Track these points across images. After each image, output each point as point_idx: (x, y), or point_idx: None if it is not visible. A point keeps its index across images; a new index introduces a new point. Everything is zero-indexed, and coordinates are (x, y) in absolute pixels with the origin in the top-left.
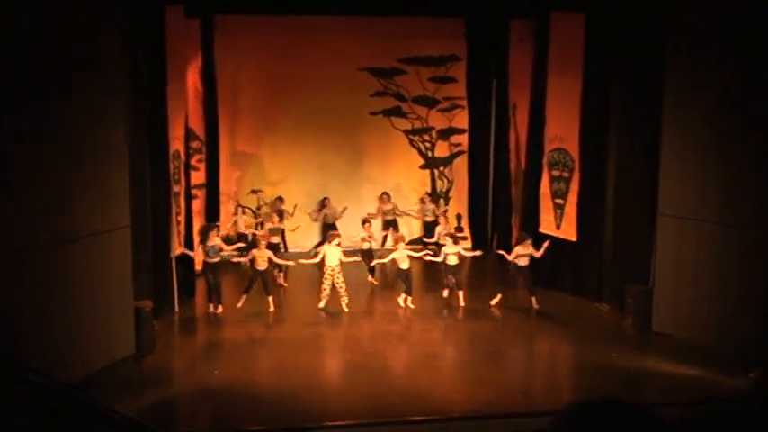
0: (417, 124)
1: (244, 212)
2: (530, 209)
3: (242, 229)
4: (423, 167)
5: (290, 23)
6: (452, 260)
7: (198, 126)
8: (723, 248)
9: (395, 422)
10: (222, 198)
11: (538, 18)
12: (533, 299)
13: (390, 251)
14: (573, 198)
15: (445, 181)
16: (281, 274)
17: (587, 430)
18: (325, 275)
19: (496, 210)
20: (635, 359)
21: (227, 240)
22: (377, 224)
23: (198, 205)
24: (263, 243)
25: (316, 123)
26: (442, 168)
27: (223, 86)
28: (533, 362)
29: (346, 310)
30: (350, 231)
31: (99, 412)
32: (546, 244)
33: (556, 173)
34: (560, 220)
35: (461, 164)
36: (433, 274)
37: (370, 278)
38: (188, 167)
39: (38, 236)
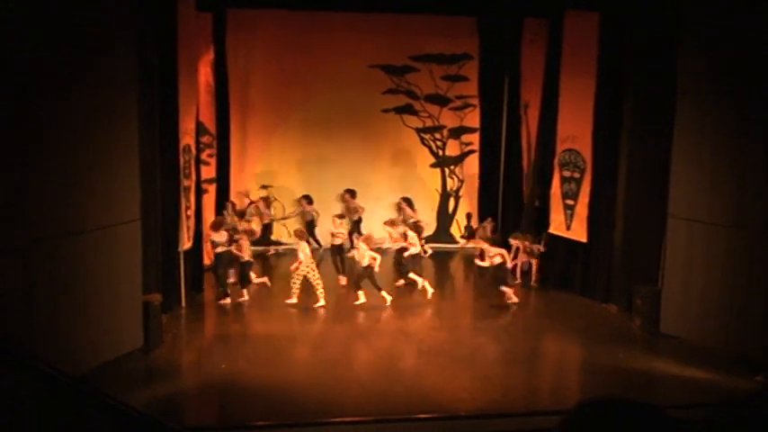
0: (429, 122)
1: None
2: (535, 208)
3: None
4: (433, 166)
5: (302, 19)
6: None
7: (209, 120)
8: (732, 251)
9: (401, 419)
10: (234, 195)
11: (551, 17)
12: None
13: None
14: (584, 199)
15: (456, 180)
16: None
17: (597, 429)
18: (298, 272)
19: (506, 209)
20: (642, 360)
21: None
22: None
23: (208, 200)
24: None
25: (327, 120)
26: (452, 167)
27: (234, 81)
28: (540, 361)
29: (322, 303)
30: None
31: (106, 404)
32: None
33: (567, 173)
34: (571, 221)
35: (472, 163)
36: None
37: (340, 277)
38: (199, 162)
39: (47, 229)
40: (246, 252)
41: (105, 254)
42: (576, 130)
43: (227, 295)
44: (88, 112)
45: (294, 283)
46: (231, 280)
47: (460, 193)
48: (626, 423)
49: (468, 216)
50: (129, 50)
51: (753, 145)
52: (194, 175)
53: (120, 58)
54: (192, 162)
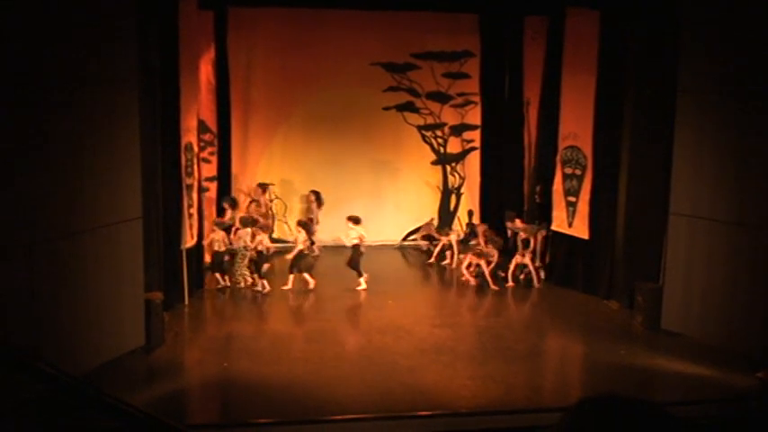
0: (430, 120)
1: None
2: (536, 205)
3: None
4: (435, 163)
5: (303, 17)
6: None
7: (210, 118)
8: (734, 248)
9: (403, 417)
10: (237, 194)
11: (552, 14)
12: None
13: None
14: (585, 196)
15: (457, 177)
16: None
17: (598, 427)
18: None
19: (507, 206)
20: (644, 357)
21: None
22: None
23: (209, 198)
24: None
25: (328, 117)
26: (453, 164)
27: (236, 79)
28: (542, 358)
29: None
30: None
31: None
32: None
33: (568, 170)
34: (572, 218)
35: (473, 160)
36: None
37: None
38: (200, 160)
39: (48, 227)
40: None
41: (107, 252)
42: (577, 128)
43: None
44: (89, 110)
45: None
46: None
47: (462, 191)
48: (626, 420)
49: (470, 213)
50: (130, 48)
51: (754, 142)
52: (197, 173)
53: (122, 55)
54: (195, 160)
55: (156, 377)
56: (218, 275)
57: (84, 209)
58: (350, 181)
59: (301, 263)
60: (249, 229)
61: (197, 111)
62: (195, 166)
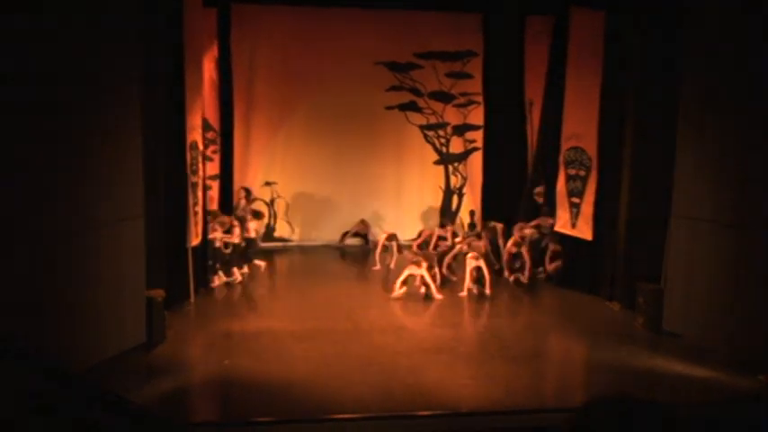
0: (433, 119)
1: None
2: (534, 205)
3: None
4: (437, 163)
5: (306, 15)
6: None
7: (213, 116)
8: (736, 250)
9: (404, 416)
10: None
11: (556, 15)
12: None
13: None
14: (589, 197)
15: (459, 177)
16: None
17: (609, 427)
18: None
19: (509, 206)
20: (645, 358)
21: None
22: None
23: (212, 196)
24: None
25: (330, 116)
26: (456, 164)
27: (238, 77)
28: (542, 359)
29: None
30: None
31: (109, 400)
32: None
33: (572, 171)
34: (576, 219)
35: (476, 160)
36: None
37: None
38: (204, 158)
39: (50, 224)
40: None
41: (109, 250)
42: (580, 128)
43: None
44: (93, 107)
45: None
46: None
47: (464, 191)
48: (637, 420)
49: (472, 213)
50: (135, 45)
51: (756, 143)
52: (202, 171)
53: (126, 53)
54: (200, 158)
55: (156, 375)
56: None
57: (86, 206)
58: (351, 180)
59: (250, 252)
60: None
61: (201, 109)
62: (200, 165)
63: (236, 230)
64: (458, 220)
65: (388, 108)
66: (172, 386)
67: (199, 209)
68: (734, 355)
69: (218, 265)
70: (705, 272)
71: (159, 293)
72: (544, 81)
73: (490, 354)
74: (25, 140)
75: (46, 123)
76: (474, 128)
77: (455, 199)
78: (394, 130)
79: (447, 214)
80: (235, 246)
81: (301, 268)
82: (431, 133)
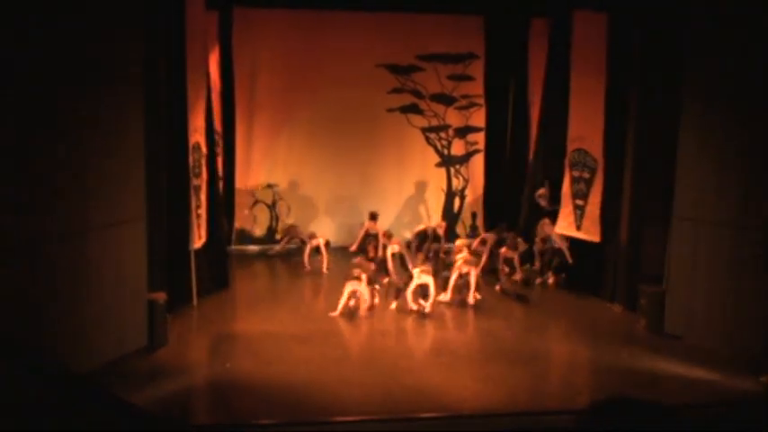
0: (434, 122)
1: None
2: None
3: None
4: (439, 165)
5: (308, 18)
6: None
7: (215, 119)
8: (738, 252)
9: (405, 419)
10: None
11: (558, 17)
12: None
13: None
14: (596, 199)
15: (461, 179)
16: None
17: (608, 428)
18: None
19: (510, 208)
20: (647, 360)
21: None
22: None
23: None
24: None
25: (332, 119)
26: (458, 166)
27: (240, 80)
28: (544, 360)
29: None
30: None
31: (111, 403)
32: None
33: (576, 173)
34: (580, 221)
35: (478, 162)
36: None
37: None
38: (209, 160)
39: (51, 226)
40: None
41: (110, 252)
42: (585, 131)
43: None
44: (95, 110)
45: None
46: None
47: (466, 193)
48: (639, 422)
49: (474, 215)
50: (136, 48)
51: (759, 145)
52: (206, 173)
53: (128, 55)
54: (204, 160)
55: (158, 377)
56: None
57: (87, 209)
58: (353, 182)
59: None
60: None
61: (206, 110)
62: (204, 167)
63: None
64: (459, 223)
65: (390, 110)
66: (174, 389)
67: (202, 211)
68: (735, 356)
69: None
70: (707, 274)
71: (161, 296)
72: (545, 83)
73: (491, 356)
74: (26, 143)
75: (46, 126)
76: (475, 130)
77: (457, 201)
78: (395, 133)
79: (449, 216)
80: None
81: (302, 270)
82: (432, 135)
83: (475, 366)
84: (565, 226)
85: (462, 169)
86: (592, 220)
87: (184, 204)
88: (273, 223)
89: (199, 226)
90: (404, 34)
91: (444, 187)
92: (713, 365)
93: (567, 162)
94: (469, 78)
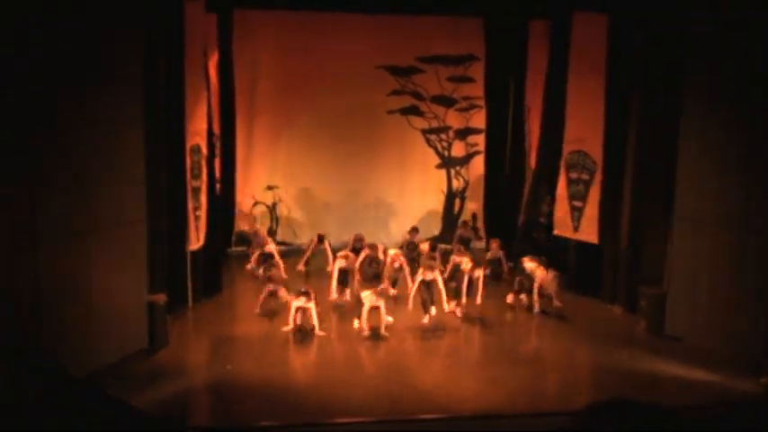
0: (434, 123)
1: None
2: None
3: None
4: (439, 167)
5: (308, 20)
6: None
7: (214, 122)
8: (738, 254)
9: (406, 420)
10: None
11: (558, 19)
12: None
13: None
14: (595, 200)
15: (461, 180)
16: None
17: (608, 429)
18: None
19: (509, 210)
20: (647, 362)
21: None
22: None
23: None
24: None
25: (332, 121)
26: (458, 168)
27: (240, 82)
28: (545, 362)
29: None
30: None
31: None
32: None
33: (574, 175)
34: (578, 223)
35: (478, 164)
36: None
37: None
38: (208, 161)
39: (53, 229)
40: None
41: (110, 254)
42: (584, 132)
43: None
44: (94, 112)
45: None
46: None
47: (466, 194)
48: (638, 424)
49: (474, 217)
50: (136, 51)
51: (759, 147)
52: (206, 175)
53: (128, 58)
54: (203, 162)
55: (159, 379)
56: None
57: (87, 211)
58: (354, 184)
59: None
60: None
61: (206, 113)
62: (203, 169)
63: None
64: (459, 224)
65: (390, 112)
66: (174, 390)
67: (201, 213)
68: (735, 358)
69: None
70: (708, 275)
71: (161, 298)
72: (545, 85)
73: (492, 357)
74: (26, 143)
75: (46, 126)
76: (476, 131)
77: (457, 202)
78: (396, 134)
79: (449, 218)
80: None
81: (303, 271)
82: (433, 137)
83: (476, 368)
84: (562, 228)
85: (462, 171)
86: (590, 222)
87: (183, 206)
88: (274, 225)
89: (197, 228)
90: (404, 36)
91: (444, 189)
92: (713, 367)
93: (563, 164)
94: (470, 80)
